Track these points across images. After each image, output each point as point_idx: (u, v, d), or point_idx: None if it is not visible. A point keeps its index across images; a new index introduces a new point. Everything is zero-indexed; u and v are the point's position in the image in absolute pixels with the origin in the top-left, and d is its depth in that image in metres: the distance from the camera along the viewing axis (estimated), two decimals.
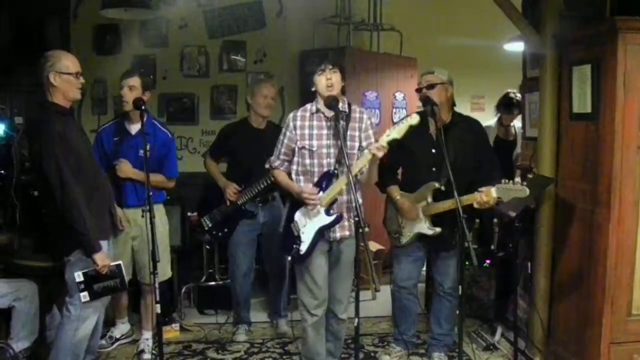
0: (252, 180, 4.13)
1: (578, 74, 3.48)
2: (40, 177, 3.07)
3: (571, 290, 3.64)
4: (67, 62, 3.14)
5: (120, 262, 3.31)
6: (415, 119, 3.04)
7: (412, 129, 3.06)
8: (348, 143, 3.23)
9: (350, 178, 3.02)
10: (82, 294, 3.14)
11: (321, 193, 3.21)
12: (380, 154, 3.06)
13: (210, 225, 4.31)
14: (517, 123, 5.17)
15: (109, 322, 4.25)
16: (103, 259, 3.14)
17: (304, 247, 3.27)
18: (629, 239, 3.28)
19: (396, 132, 3.05)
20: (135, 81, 3.73)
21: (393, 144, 3.07)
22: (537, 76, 3.92)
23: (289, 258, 3.39)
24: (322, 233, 3.26)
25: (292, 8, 5.86)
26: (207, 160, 4.36)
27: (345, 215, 3.29)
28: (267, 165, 3.56)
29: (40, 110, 3.23)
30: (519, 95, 4.99)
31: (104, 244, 3.21)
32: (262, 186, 4.11)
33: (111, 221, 3.44)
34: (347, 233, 3.32)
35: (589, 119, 3.41)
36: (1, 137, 5.35)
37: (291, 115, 3.35)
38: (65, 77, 3.12)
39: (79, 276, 3.12)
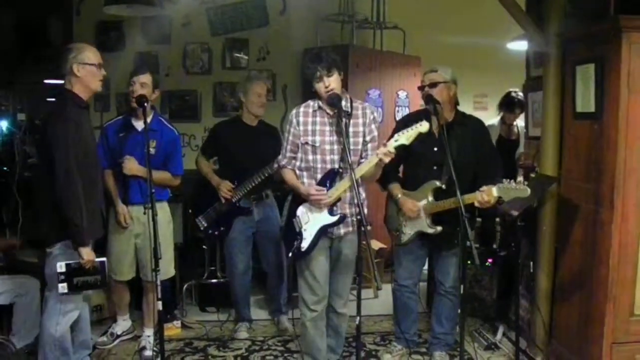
0: (245, 177, 4.12)
1: (582, 73, 3.47)
2: (45, 163, 3.07)
3: (573, 290, 3.63)
4: (89, 53, 3.19)
5: (104, 259, 3.31)
6: (424, 127, 3.04)
7: (420, 136, 3.06)
8: (351, 139, 3.23)
9: (354, 176, 3.01)
10: (60, 285, 3.13)
11: (326, 192, 3.22)
12: (387, 160, 3.07)
13: (205, 224, 4.29)
14: (520, 122, 5.17)
15: (110, 319, 4.26)
16: (89, 253, 3.14)
17: (305, 244, 3.27)
18: (632, 238, 3.26)
19: (404, 138, 3.05)
20: (147, 78, 3.75)
21: (399, 149, 3.07)
22: (540, 75, 3.91)
23: (290, 254, 3.38)
24: (324, 231, 3.26)
25: (295, 6, 5.86)
26: (199, 159, 4.34)
27: (347, 211, 3.29)
28: (275, 165, 3.55)
29: (58, 98, 3.25)
30: (520, 94, 4.98)
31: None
32: (255, 182, 4.10)
33: (101, 223, 3.43)
34: (350, 229, 3.32)
35: (592, 118, 3.40)
36: (4, 133, 5.37)
37: (294, 111, 3.34)
38: (88, 67, 3.17)
39: (61, 267, 3.12)
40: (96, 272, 3.23)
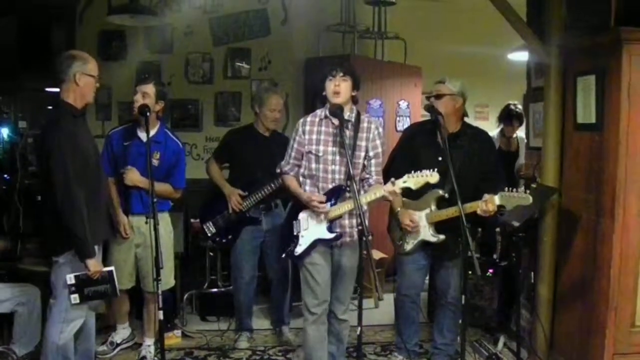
0: (255, 186, 4.12)
1: (582, 84, 3.49)
2: (46, 175, 3.07)
3: (574, 301, 3.63)
4: (92, 65, 3.20)
5: (112, 268, 3.30)
6: (434, 178, 3.08)
7: (427, 184, 3.12)
8: (355, 153, 3.27)
9: (355, 187, 3.04)
10: (72, 296, 3.14)
11: (328, 205, 3.26)
12: (391, 198, 3.21)
13: (213, 231, 4.28)
14: (519, 133, 5.18)
15: (110, 328, 4.25)
16: (96, 264, 3.14)
17: (299, 250, 3.33)
18: (632, 249, 3.27)
19: (412, 183, 3.09)
20: (149, 88, 3.73)
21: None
22: (541, 86, 3.93)
23: (283, 255, 3.46)
24: (320, 242, 3.30)
25: (297, 16, 5.88)
26: (210, 165, 4.33)
27: (347, 221, 3.32)
28: (277, 170, 3.57)
29: (54, 109, 3.25)
30: (519, 107, 5.00)
31: (96, 248, 3.21)
32: (266, 192, 4.10)
33: (109, 223, 3.42)
34: (347, 239, 3.34)
35: (593, 129, 3.42)
36: (5, 141, 5.38)
37: (301, 120, 3.40)
38: (89, 79, 3.17)
39: (70, 279, 3.12)
40: (105, 281, 3.23)
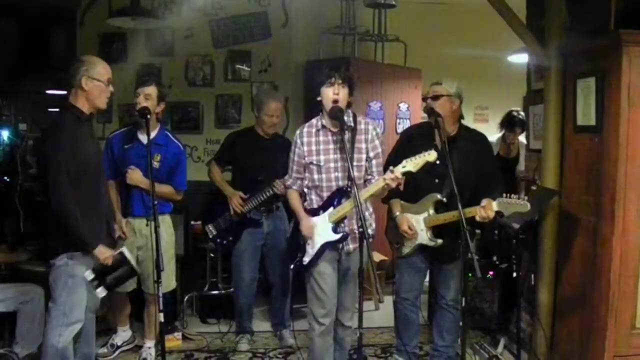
0: (257, 189, 4.13)
1: (582, 86, 3.49)
2: (43, 176, 3.06)
3: (575, 303, 3.63)
4: (101, 69, 3.18)
5: (123, 249, 3.28)
6: (432, 156, 3.06)
7: (427, 164, 3.08)
8: (355, 155, 3.26)
9: (356, 190, 3.03)
10: (98, 290, 3.14)
11: (331, 209, 3.26)
12: (393, 185, 3.11)
13: (214, 233, 4.29)
14: (520, 138, 5.18)
15: (111, 330, 4.26)
16: (103, 251, 3.12)
17: (307, 258, 3.31)
18: (633, 251, 3.26)
19: (412, 166, 3.06)
20: (151, 90, 3.74)
21: (407, 175, 3.10)
22: (541, 88, 3.93)
23: (292, 266, 3.42)
24: (330, 246, 3.28)
25: (298, 18, 5.89)
26: (212, 168, 4.34)
27: (355, 227, 3.29)
28: (282, 185, 3.58)
29: (57, 112, 3.24)
30: (522, 114, 5.00)
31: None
32: (267, 194, 4.11)
33: (107, 232, 3.42)
34: (358, 244, 3.32)
35: (593, 131, 3.42)
36: (5, 143, 5.38)
37: (298, 132, 3.38)
38: (97, 83, 3.15)
39: (89, 274, 3.11)
40: (121, 264, 3.22)
